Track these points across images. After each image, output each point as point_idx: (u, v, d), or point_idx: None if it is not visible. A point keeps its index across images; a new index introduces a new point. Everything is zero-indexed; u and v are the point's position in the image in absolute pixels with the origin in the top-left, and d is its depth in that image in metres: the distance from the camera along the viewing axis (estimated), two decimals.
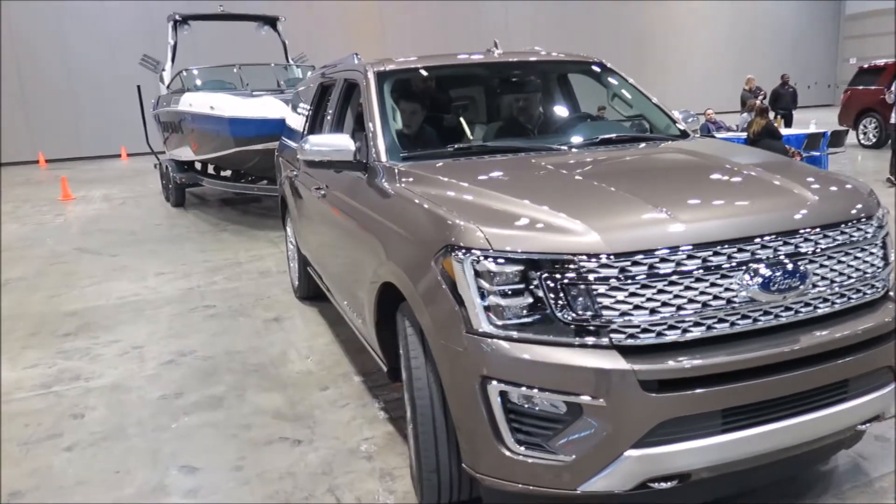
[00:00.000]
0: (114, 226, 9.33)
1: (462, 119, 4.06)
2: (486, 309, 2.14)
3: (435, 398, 2.41)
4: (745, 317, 2.15)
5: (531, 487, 2.16)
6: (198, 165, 10.51)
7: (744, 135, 10.00)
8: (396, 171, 3.05)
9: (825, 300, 2.27)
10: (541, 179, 2.83)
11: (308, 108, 4.92)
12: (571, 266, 2.08)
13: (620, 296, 2.07)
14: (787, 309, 2.20)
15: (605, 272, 2.07)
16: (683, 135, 3.66)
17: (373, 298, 2.93)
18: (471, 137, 3.83)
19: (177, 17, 11.12)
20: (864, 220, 2.40)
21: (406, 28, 22.45)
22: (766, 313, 2.18)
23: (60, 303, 5.84)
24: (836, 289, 2.29)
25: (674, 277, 2.10)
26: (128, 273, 6.73)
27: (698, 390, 2.05)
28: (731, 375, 2.10)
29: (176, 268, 6.85)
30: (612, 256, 2.08)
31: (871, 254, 2.40)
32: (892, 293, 2.46)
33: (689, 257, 2.12)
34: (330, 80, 4.51)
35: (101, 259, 7.41)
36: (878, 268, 2.41)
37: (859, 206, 2.45)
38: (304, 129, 4.90)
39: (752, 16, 28.48)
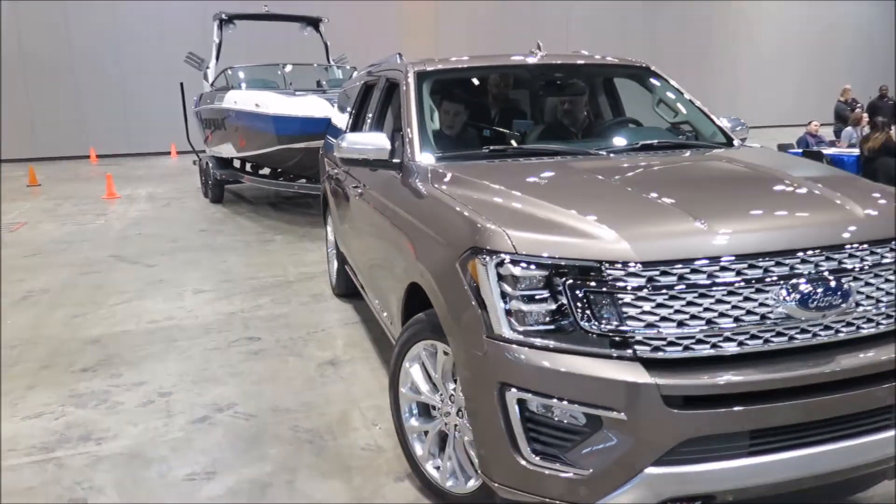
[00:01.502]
0: (155, 230, 8.49)
1: (501, 121, 3.89)
2: (508, 314, 2.06)
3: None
4: (780, 334, 2.02)
5: (547, 500, 2.06)
6: (236, 163, 10.36)
7: (853, 151, 8.71)
8: (429, 171, 2.97)
9: (869, 320, 2.11)
10: (573, 184, 2.74)
11: (352, 107, 4.84)
12: (597, 273, 1.99)
13: (647, 306, 1.96)
14: (828, 328, 2.06)
15: (631, 281, 1.97)
16: (729, 143, 3.50)
17: (401, 298, 2.85)
18: (509, 140, 3.64)
19: (223, 17, 10.88)
20: None
21: (461, 28, 21.44)
22: (804, 331, 2.04)
23: (83, 325, 4.94)
24: (882, 309, 2.12)
25: (704, 290, 1.98)
26: (163, 289, 5.83)
27: (725, 409, 1.94)
28: (763, 395, 1.96)
29: (217, 285, 5.92)
30: (639, 265, 1.97)
31: None
32: None
33: (722, 269, 2.00)
34: (374, 79, 4.42)
35: (137, 269, 6.53)
36: None
37: None
38: (346, 128, 4.80)
39: (826, 19, 26.51)
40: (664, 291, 1.96)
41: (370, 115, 4.21)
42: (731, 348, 1.98)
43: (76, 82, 18.97)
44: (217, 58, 11.01)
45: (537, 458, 2.03)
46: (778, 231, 2.12)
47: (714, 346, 1.97)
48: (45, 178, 14.26)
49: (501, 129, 3.75)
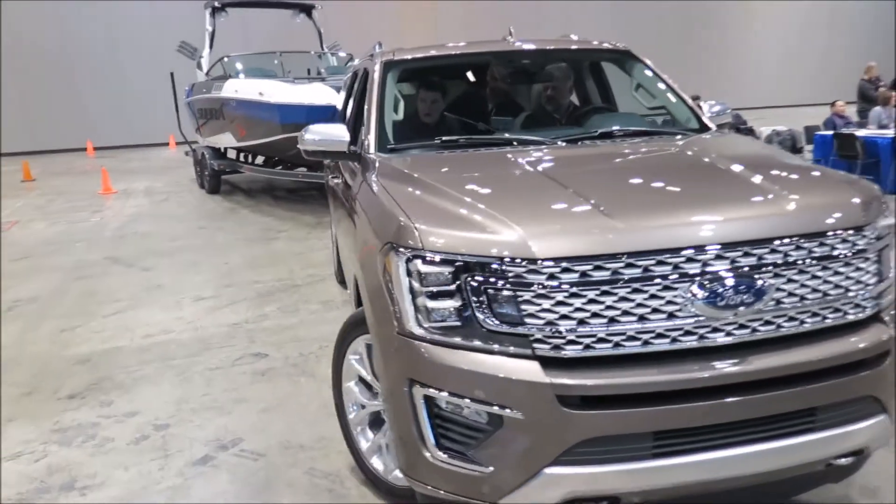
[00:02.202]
0: (152, 227, 7.98)
1: (465, 110, 3.67)
2: (416, 310, 2.01)
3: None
4: (689, 333, 1.92)
5: (455, 496, 2.05)
6: (231, 153, 10.22)
7: (887, 133, 8.16)
8: (377, 162, 2.93)
9: (791, 319, 1.99)
10: (502, 177, 2.64)
11: (344, 97, 4.80)
12: (497, 269, 1.93)
13: (547, 304, 1.89)
14: (743, 327, 1.95)
15: (531, 278, 1.90)
16: (702, 129, 3.30)
17: (352, 289, 2.86)
18: (465, 130, 3.41)
19: (215, 4, 10.62)
20: (851, 230, 2.06)
21: (459, 16, 20.77)
22: (717, 330, 1.93)
23: (72, 341, 4.46)
24: (807, 306, 2.00)
25: (607, 287, 1.89)
26: (161, 296, 5.33)
27: (624, 410, 1.86)
28: (666, 396, 1.87)
29: (219, 290, 5.42)
30: (539, 262, 1.89)
31: (858, 269, 2.07)
32: (886, 315, 2.12)
33: (628, 266, 1.89)
34: (358, 69, 4.36)
35: (133, 273, 6.04)
36: (867, 285, 2.07)
37: (848, 214, 2.09)
38: (339, 118, 4.72)
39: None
40: (564, 289, 1.89)
41: (350, 106, 4.17)
42: (635, 347, 1.90)
43: (72, 74, 18.39)
44: (210, 46, 10.74)
45: (443, 455, 2.02)
46: (690, 226, 1.99)
47: (617, 345, 1.90)
48: (40, 172, 13.75)
49: (458, 119, 3.57)
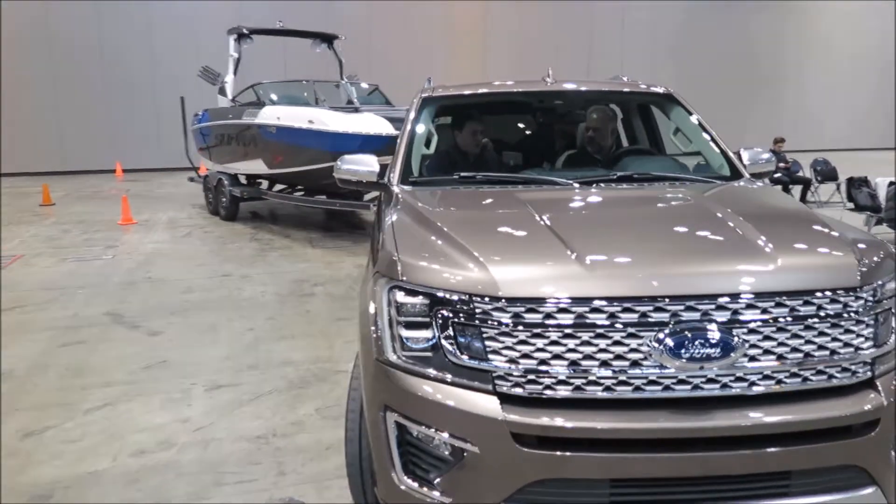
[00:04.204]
0: (168, 272, 6.75)
1: (497, 147, 3.87)
2: (393, 339, 2.04)
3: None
4: (654, 382, 1.87)
5: None
6: (243, 179, 10.17)
7: None
8: (397, 195, 2.96)
9: (767, 377, 1.90)
10: (497, 215, 2.69)
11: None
12: (465, 305, 1.96)
13: (510, 342, 1.90)
14: (712, 381, 1.88)
15: (497, 316, 1.92)
16: (735, 176, 3.21)
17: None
18: (490, 166, 3.55)
19: (243, 31, 10.27)
20: (840, 291, 1.95)
21: (512, 30, 19.68)
22: (684, 382, 1.87)
23: (35, 454, 3.17)
24: (785, 366, 1.90)
25: (571, 330, 1.88)
26: (165, 379, 4.05)
27: (581, 453, 1.83)
28: (627, 443, 1.83)
29: (240, 373, 4.12)
30: (504, 300, 1.91)
31: (848, 332, 1.95)
32: (881, 382, 1.95)
33: (593, 311, 1.88)
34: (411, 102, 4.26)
35: (135, 339, 4.78)
36: (858, 349, 1.94)
37: (841, 274, 1.99)
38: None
39: None
40: (528, 329, 1.89)
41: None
42: (596, 392, 1.87)
43: (107, 94, 17.51)
44: (235, 72, 10.40)
45: (410, 480, 2.01)
46: (659, 276, 1.94)
47: (577, 388, 1.87)
48: (62, 195, 12.72)
49: (487, 156, 3.70)
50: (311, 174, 8.28)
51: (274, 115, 8.55)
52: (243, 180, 10.09)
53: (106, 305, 5.59)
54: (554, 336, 1.88)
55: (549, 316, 1.88)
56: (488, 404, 1.87)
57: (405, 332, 2.02)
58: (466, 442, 1.88)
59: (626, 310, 1.87)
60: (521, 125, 4.17)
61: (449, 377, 1.94)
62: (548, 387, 1.87)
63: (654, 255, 2.09)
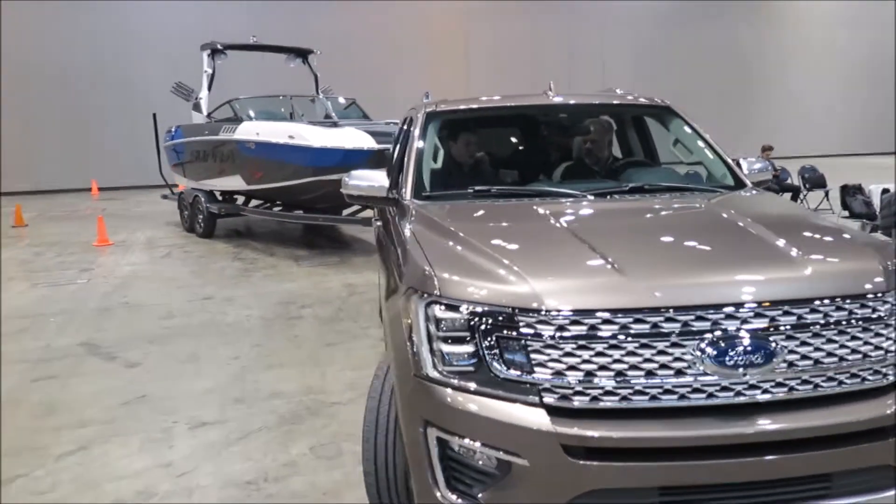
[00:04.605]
0: (147, 296, 6.43)
1: (503, 161, 3.90)
2: (432, 354, 2.03)
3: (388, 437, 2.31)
4: (698, 390, 1.90)
5: None
6: (219, 196, 9.96)
7: None
8: (412, 209, 2.96)
9: (805, 382, 1.94)
10: (525, 229, 2.70)
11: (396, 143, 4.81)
12: (509, 319, 1.96)
13: (556, 354, 1.91)
14: (754, 387, 1.91)
15: (541, 329, 1.92)
16: (738, 186, 3.28)
17: (385, 330, 2.78)
18: (505, 179, 3.59)
19: (217, 47, 10.18)
20: (871, 296, 2.01)
21: (493, 42, 19.58)
22: (727, 389, 1.90)
23: None
24: (822, 370, 1.95)
25: (615, 341, 1.90)
26: (144, 417, 3.74)
27: (630, 463, 1.84)
28: (674, 452, 1.85)
29: (226, 408, 3.83)
30: (549, 313, 1.92)
31: (878, 335, 1.99)
32: None
33: (637, 322, 1.90)
34: (407, 116, 4.22)
35: (111, 372, 4.46)
36: (888, 352, 1.99)
37: (870, 279, 2.05)
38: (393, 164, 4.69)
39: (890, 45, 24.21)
40: (573, 341, 1.90)
41: (396, 153, 4.19)
42: (642, 402, 1.88)
43: (80, 112, 17.09)
44: (209, 88, 10.23)
45: (453, 496, 2.00)
46: (701, 286, 2.01)
47: (624, 398, 1.89)
48: (35, 216, 12.31)
49: (497, 169, 3.69)
50: (292, 189, 8.17)
51: (252, 130, 8.43)
52: (219, 197, 9.95)
53: (80, 334, 5.26)
54: (599, 347, 1.89)
55: (594, 327, 1.90)
56: (537, 417, 1.87)
57: (445, 348, 2.01)
58: (514, 455, 1.88)
59: (668, 319, 1.89)
60: (526, 139, 4.12)
61: (493, 391, 1.93)
62: (595, 398, 1.88)
63: (693, 265, 2.16)
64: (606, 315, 1.90)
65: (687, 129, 3.64)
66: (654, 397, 1.88)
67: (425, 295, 2.07)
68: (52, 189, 16.73)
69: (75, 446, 3.41)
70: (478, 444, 1.92)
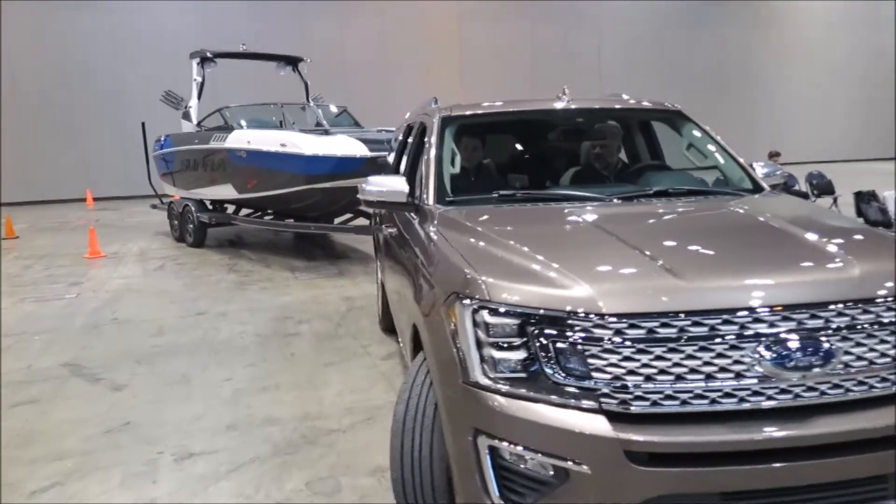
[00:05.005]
0: (137, 312, 6.14)
1: (519, 166, 3.87)
2: (482, 360, 1.99)
3: (428, 442, 2.21)
4: (757, 393, 1.88)
5: None
6: (209, 205, 9.85)
7: None
8: (437, 214, 2.95)
9: (861, 383, 1.93)
10: (564, 232, 2.68)
11: (397, 149, 4.88)
12: (564, 323, 1.93)
13: (614, 359, 1.88)
14: (811, 389, 1.90)
15: (598, 332, 1.90)
16: (756, 189, 3.28)
17: (409, 339, 2.80)
18: (524, 184, 3.49)
19: (206, 55, 9.99)
20: None
21: (488, 46, 19.35)
22: (785, 391, 1.89)
23: None
24: (877, 371, 1.93)
25: (675, 344, 1.88)
26: (126, 447, 3.45)
27: (694, 468, 1.82)
28: (736, 456, 1.83)
29: (216, 436, 3.55)
30: (606, 317, 1.90)
31: None
32: None
33: (695, 324, 1.89)
34: (413, 122, 4.35)
35: (95, 396, 4.17)
36: None
37: None
38: (393, 170, 4.77)
39: (873, 46, 23.86)
40: (632, 345, 1.88)
41: (407, 158, 4.16)
42: (702, 406, 1.86)
43: (74, 121, 16.84)
44: (199, 96, 10.07)
45: None
46: (756, 287, 1.98)
47: (684, 402, 1.86)
48: (26, 227, 12.03)
49: (521, 174, 3.62)
50: (284, 198, 8.08)
51: (244, 139, 8.34)
52: (210, 206, 9.83)
53: (65, 354, 4.98)
54: (658, 350, 1.87)
55: (651, 331, 1.88)
56: (597, 423, 1.84)
57: (496, 354, 1.96)
58: (574, 462, 1.84)
59: (726, 322, 1.88)
60: (543, 143, 4.07)
61: (549, 397, 1.90)
62: (655, 402, 1.86)
63: (746, 267, 2.12)
64: (665, 318, 1.88)
65: (700, 133, 3.66)
66: (713, 401, 1.85)
67: (472, 300, 2.02)
68: (46, 199, 16.47)
69: (50, 482, 3.13)
70: (534, 451, 1.88)
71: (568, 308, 1.92)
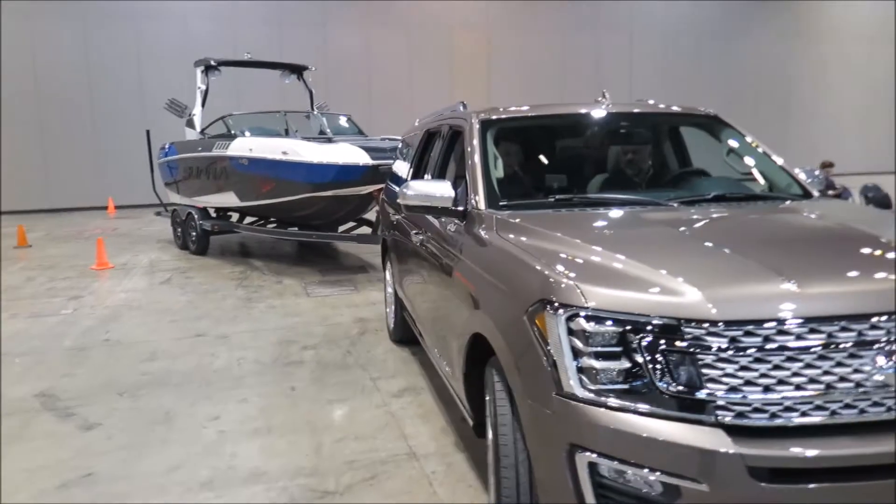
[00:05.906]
0: (132, 332, 5.61)
1: (565, 170, 3.65)
2: (580, 371, 1.86)
3: (520, 461, 2.09)
4: (877, 404, 1.77)
5: None
6: (212, 213, 9.69)
7: None
8: (494, 219, 2.79)
9: None
10: (644, 236, 2.49)
11: (414, 154, 4.62)
12: (676, 331, 1.81)
13: (730, 369, 1.77)
14: None
15: (713, 341, 1.78)
16: (806, 195, 3.19)
17: (463, 349, 2.64)
18: (575, 189, 3.34)
19: (211, 63, 9.86)
20: None
21: (515, 57, 18.76)
22: None
23: None
24: None
25: (793, 353, 1.78)
26: None
27: (817, 484, 1.69)
28: (861, 471, 1.72)
29: (185, 495, 2.94)
30: (721, 324, 1.79)
31: None
32: None
33: (812, 332, 1.79)
34: (436, 127, 4.22)
35: (62, 437, 3.61)
36: None
37: None
38: (408, 175, 4.57)
39: None
40: (749, 353, 1.77)
41: (433, 163, 4.02)
42: (821, 417, 1.76)
43: (96, 129, 16.64)
44: (203, 104, 9.98)
45: None
46: (873, 293, 1.88)
47: (804, 414, 1.76)
48: (42, 236, 11.70)
49: (567, 178, 3.48)
50: (286, 205, 7.99)
51: (246, 146, 8.25)
52: (213, 213, 9.69)
53: (42, 381, 4.45)
54: (775, 360, 1.78)
55: (768, 339, 1.78)
56: (714, 437, 1.72)
57: (597, 364, 1.85)
58: (688, 479, 1.72)
59: (843, 329, 1.79)
60: (589, 147, 3.86)
61: (659, 410, 1.78)
62: (773, 414, 1.75)
63: (854, 272, 1.99)
64: (785, 325, 1.78)
65: (739, 139, 3.60)
66: (833, 412, 1.76)
67: (567, 307, 1.89)
68: (68, 207, 16.26)
69: None
70: (641, 467, 1.76)
71: (678, 314, 1.80)
